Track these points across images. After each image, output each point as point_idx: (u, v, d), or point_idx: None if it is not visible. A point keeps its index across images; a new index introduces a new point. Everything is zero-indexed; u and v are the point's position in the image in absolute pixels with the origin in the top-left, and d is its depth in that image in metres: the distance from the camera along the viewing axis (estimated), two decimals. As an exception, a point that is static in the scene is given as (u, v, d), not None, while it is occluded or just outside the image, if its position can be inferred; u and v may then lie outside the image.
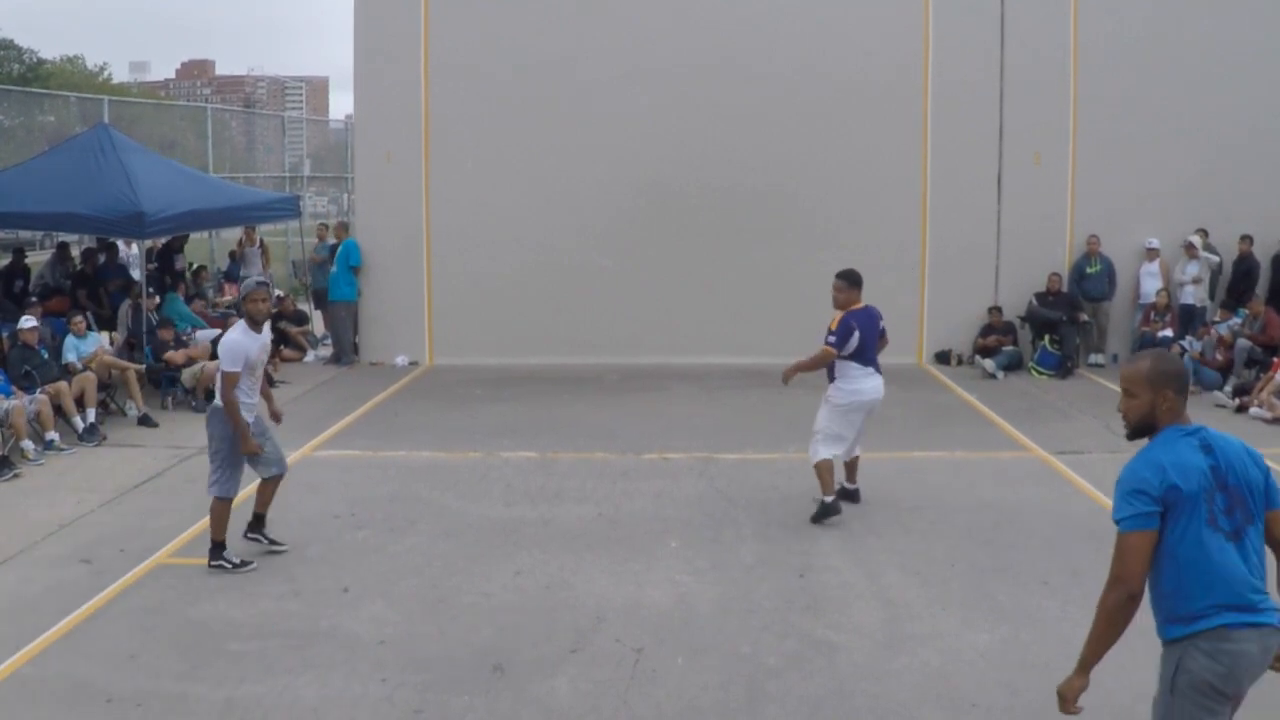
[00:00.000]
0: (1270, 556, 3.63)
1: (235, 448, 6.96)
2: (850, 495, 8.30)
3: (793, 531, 7.74)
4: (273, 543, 7.38)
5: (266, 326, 7.12)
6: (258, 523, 7.42)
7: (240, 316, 7.16)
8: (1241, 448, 3.64)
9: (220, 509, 6.98)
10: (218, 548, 7.00)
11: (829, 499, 7.84)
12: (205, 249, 19.54)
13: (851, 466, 8.37)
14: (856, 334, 7.78)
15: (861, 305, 7.93)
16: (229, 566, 6.96)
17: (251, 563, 7.05)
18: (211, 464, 7.03)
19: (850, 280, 7.95)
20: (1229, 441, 3.64)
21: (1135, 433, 3.67)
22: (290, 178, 25.82)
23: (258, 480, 7.35)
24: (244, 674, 5.52)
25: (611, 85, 14.78)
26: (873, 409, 8.03)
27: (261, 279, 7.46)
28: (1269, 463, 3.74)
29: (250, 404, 7.01)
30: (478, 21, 14.82)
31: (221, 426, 6.94)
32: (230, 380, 6.83)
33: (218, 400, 6.95)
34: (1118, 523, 3.53)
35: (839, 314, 7.87)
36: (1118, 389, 3.79)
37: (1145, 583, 3.51)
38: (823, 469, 7.86)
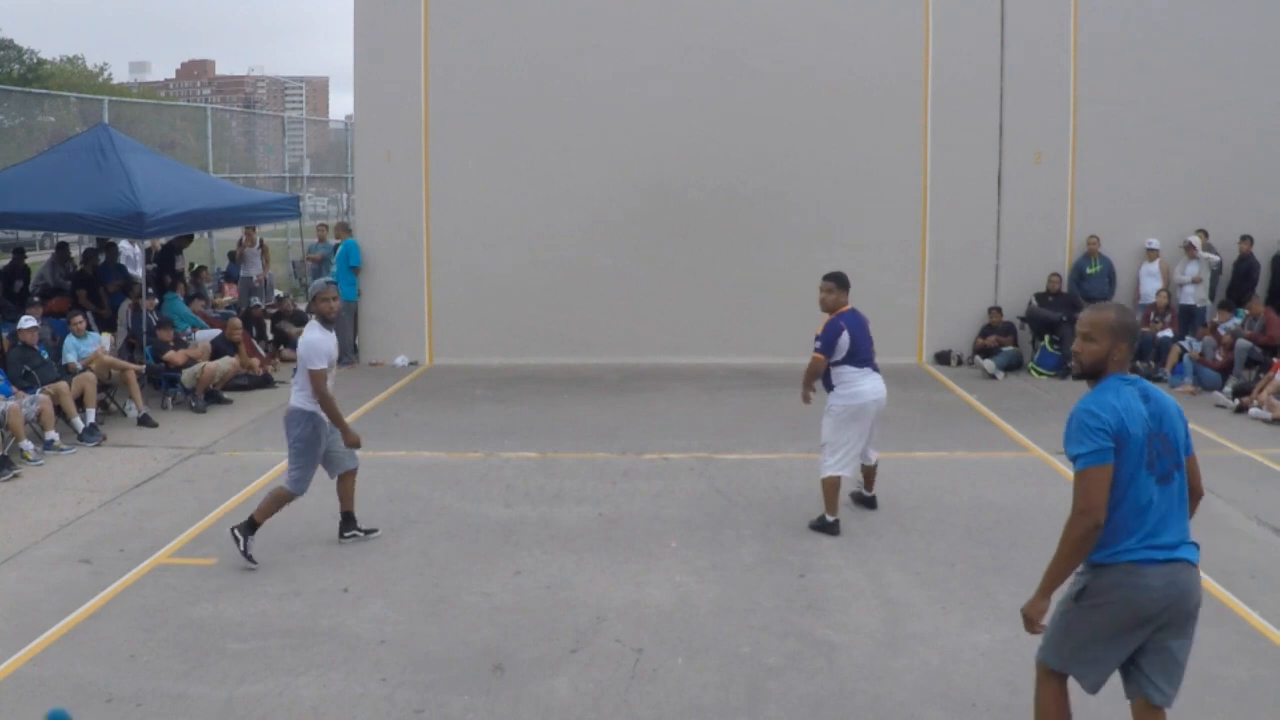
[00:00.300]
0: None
1: (313, 447, 7.15)
2: (867, 502, 8.21)
3: (793, 531, 7.74)
4: (367, 532, 7.56)
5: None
6: (348, 521, 7.55)
7: (313, 315, 7.26)
8: (1172, 401, 4.04)
9: (283, 497, 7.16)
10: (251, 525, 7.12)
11: (831, 519, 7.71)
12: (205, 249, 19.53)
13: (869, 474, 8.20)
14: (845, 335, 7.56)
15: (849, 308, 7.74)
16: (240, 547, 7.05)
17: (256, 564, 7.06)
18: (293, 463, 7.20)
19: (839, 282, 7.75)
20: (1161, 393, 4.05)
21: (1085, 374, 4.00)
22: (290, 178, 25.83)
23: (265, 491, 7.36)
24: (244, 674, 5.52)
25: (612, 85, 14.78)
26: (878, 410, 7.82)
27: (330, 279, 7.57)
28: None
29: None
30: (478, 21, 14.83)
31: (300, 426, 7.13)
32: (320, 378, 7.03)
33: (299, 404, 7.12)
34: (1075, 458, 3.82)
35: (826, 318, 7.72)
36: None
37: (1105, 512, 3.80)
38: (827, 486, 7.70)
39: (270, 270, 17.62)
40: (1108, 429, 3.81)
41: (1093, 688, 4.06)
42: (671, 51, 14.72)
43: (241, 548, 7.05)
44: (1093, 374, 3.97)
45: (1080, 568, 3.93)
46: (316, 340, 7.08)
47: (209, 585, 6.76)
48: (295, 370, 7.26)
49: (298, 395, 7.19)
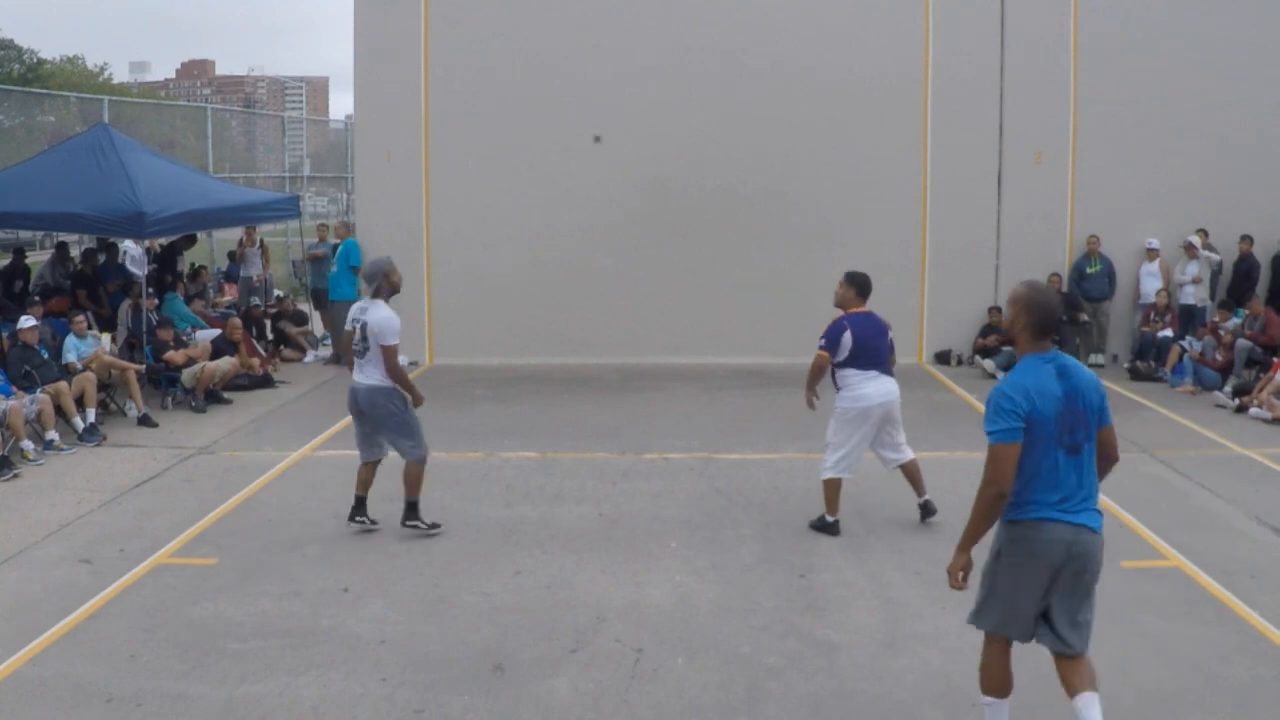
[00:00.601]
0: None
1: (409, 412, 7.51)
2: (925, 508, 7.89)
3: (793, 531, 7.74)
4: (372, 522, 7.81)
5: None
6: (360, 506, 7.79)
7: (382, 293, 7.48)
8: (1090, 377, 4.44)
9: (419, 470, 7.54)
10: (413, 507, 7.58)
11: (831, 519, 7.68)
12: (205, 249, 19.53)
13: (914, 478, 7.91)
14: (848, 335, 7.45)
15: (864, 310, 7.61)
16: (422, 527, 7.55)
17: (440, 525, 7.60)
18: (404, 437, 7.49)
19: (850, 280, 7.65)
20: (1079, 368, 4.44)
21: (1006, 341, 4.39)
22: (290, 178, 25.81)
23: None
24: (244, 674, 5.52)
25: (612, 85, 14.78)
26: (887, 415, 7.64)
27: (385, 257, 7.78)
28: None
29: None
30: (478, 21, 14.82)
31: (390, 402, 7.42)
32: (395, 351, 7.34)
33: (379, 381, 7.36)
34: (989, 434, 4.29)
35: (843, 315, 7.60)
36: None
37: (1013, 483, 4.27)
38: (828, 487, 7.67)
39: (270, 270, 17.61)
40: (1019, 411, 4.26)
41: (1024, 637, 4.48)
42: (671, 51, 14.71)
43: (424, 527, 7.56)
44: (1010, 341, 4.42)
45: (997, 530, 4.43)
46: (392, 317, 7.36)
47: (209, 585, 6.75)
48: (359, 349, 7.43)
49: (372, 374, 7.38)
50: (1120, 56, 14.51)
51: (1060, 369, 4.38)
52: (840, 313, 7.65)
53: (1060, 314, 4.66)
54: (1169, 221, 14.57)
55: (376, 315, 7.34)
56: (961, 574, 4.44)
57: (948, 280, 14.80)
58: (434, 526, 7.63)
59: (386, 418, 7.47)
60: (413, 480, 7.57)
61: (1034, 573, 4.32)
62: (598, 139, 14.67)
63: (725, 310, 14.82)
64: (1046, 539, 4.28)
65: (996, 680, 4.56)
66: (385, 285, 7.45)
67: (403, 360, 14.52)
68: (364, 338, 7.38)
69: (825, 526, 7.70)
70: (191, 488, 8.96)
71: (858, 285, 7.65)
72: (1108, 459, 4.50)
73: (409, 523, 7.59)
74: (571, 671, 5.54)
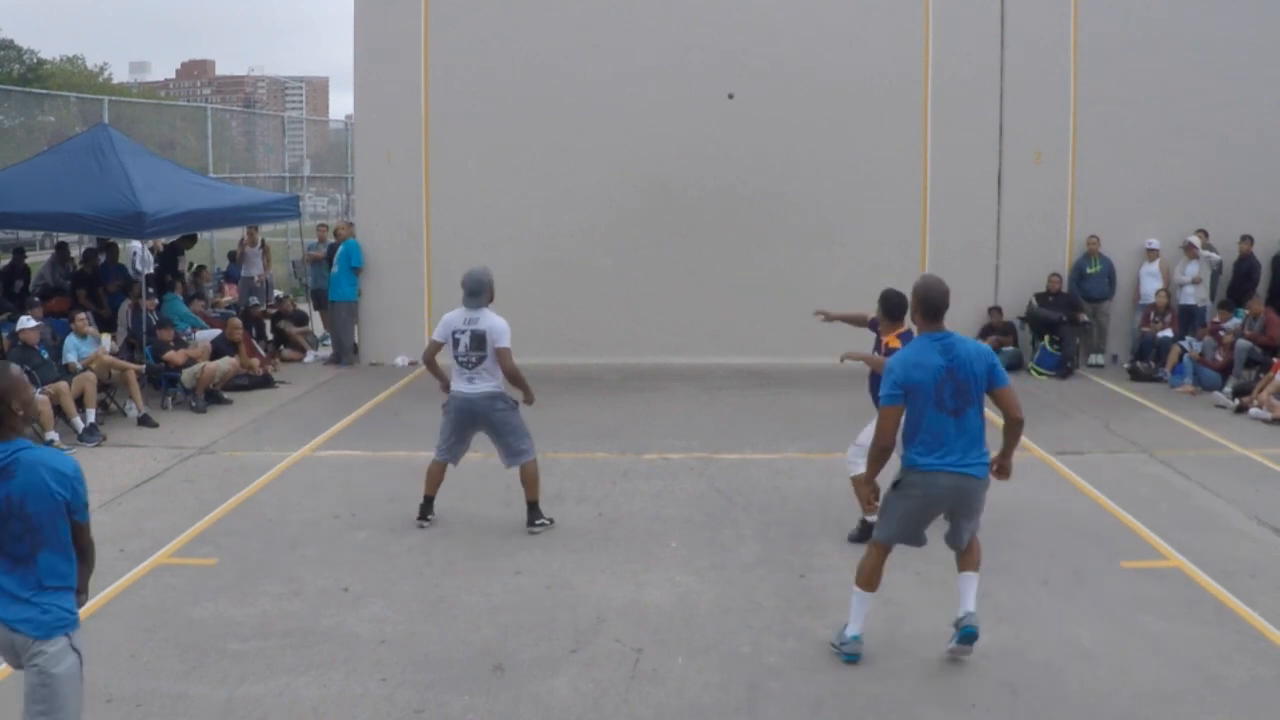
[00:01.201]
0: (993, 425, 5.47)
1: (520, 415, 7.79)
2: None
3: (793, 531, 7.74)
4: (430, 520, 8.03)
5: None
6: (428, 505, 7.98)
7: (483, 301, 7.69)
8: (974, 349, 5.43)
9: (535, 470, 7.83)
10: (535, 507, 7.82)
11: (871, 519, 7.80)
12: (206, 249, 19.53)
13: None
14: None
15: (905, 328, 7.32)
16: (544, 523, 7.80)
17: (553, 520, 7.87)
18: (519, 439, 7.79)
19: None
20: (965, 345, 5.41)
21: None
22: (290, 178, 25.81)
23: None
24: (244, 674, 5.52)
25: (612, 84, 14.77)
26: None
27: (484, 266, 7.94)
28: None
29: None
30: (478, 21, 14.82)
31: (508, 405, 7.70)
32: (511, 354, 7.62)
33: (494, 387, 7.60)
34: (880, 398, 5.45)
35: (895, 337, 7.21)
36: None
37: (896, 439, 5.39)
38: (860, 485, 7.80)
39: (270, 270, 17.62)
40: (897, 380, 5.30)
41: (915, 543, 5.64)
42: (671, 51, 14.70)
43: (545, 520, 7.80)
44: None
45: (900, 468, 5.48)
46: (505, 321, 7.62)
47: (209, 585, 6.75)
48: (470, 359, 7.56)
49: (488, 381, 7.60)
50: (1120, 56, 14.50)
51: (946, 346, 5.33)
52: (890, 336, 7.53)
53: (946, 301, 5.43)
54: (1169, 221, 14.56)
55: (492, 322, 7.57)
56: (869, 500, 5.78)
57: (948, 280, 14.56)
58: (550, 521, 7.86)
59: (503, 422, 7.68)
60: (532, 480, 7.82)
61: (923, 507, 5.47)
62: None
63: (725, 310, 14.81)
64: (934, 483, 5.37)
65: (873, 578, 5.60)
66: (490, 295, 7.66)
67: (402, 360, 14.81)
68: (478, 346, 7.54)
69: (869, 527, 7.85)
70: (191, 488, 8.96)
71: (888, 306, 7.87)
72: (1010, 419, 5.48)
73: (536, 524, 7.77)
74: (571, 671, 5.55)
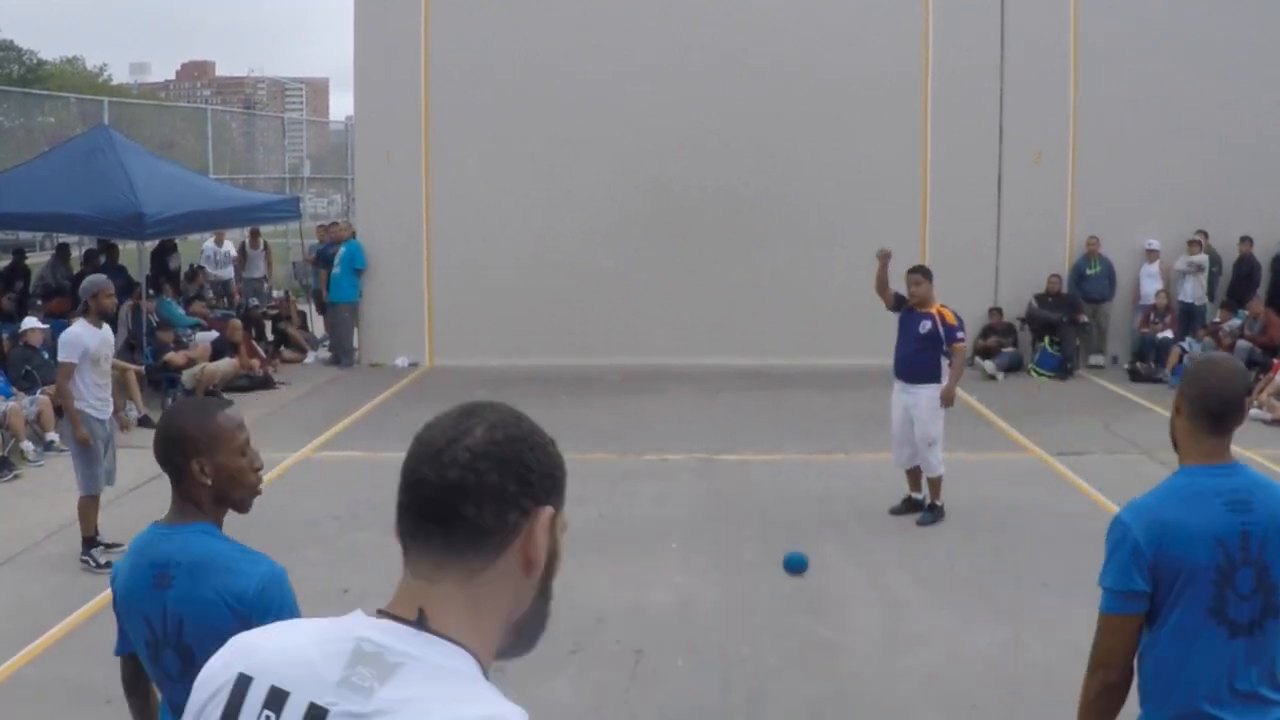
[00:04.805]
0: None
1: None
2: (917, 505, 8.10)
3: (793, 531, 7.73)
4: None
5: None
6: None
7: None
8: None
9: None
10: None
11: (939, 504, 7.93)
12: (193, 248, 19.49)
13: (917, 477, 8.14)
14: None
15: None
16: None
17: None
18: None
19: (930, 276, 8.04)
20: (1274, 493, 2.74)
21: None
22: (290, 179, 25.82)
23: None
24: (244, 675, 5.50)
25: (612, 84, 14.77)
26: None
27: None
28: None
29: None
30: (478, 21, 14.81)
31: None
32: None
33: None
34: (1103, 597, 2.79)
35: (942, 306, 7.89)
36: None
37: (1129, 668, 2.78)
38: (938, 484, 7.98)
39: (270, 272, 17.61)
40: (1141, 562, 2.74)
41: None
42: (671, 51, 14.70)
43: None
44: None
45: None
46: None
47: (209, 586, 6.74)
48: None
49: None
50: (1120, 56, 14.49)
51: (1237, 495, 2.73)
52: (937, 304, 7.92)
53: (1241, 404, 3.06)
54: (1169, 221, 14.54)
55: None
56: None
57: (947, 280, 14.57)
58: None
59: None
60: None
61: None
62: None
63: (726, 311, 14.80)
64: None
65: None
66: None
67: (402, 361, 14.83)
68: None
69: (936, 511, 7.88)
70: (191, 488, 8.95)
71: (930, 276, 8.04)
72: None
73: None
74: (571, 672, 5.54)
